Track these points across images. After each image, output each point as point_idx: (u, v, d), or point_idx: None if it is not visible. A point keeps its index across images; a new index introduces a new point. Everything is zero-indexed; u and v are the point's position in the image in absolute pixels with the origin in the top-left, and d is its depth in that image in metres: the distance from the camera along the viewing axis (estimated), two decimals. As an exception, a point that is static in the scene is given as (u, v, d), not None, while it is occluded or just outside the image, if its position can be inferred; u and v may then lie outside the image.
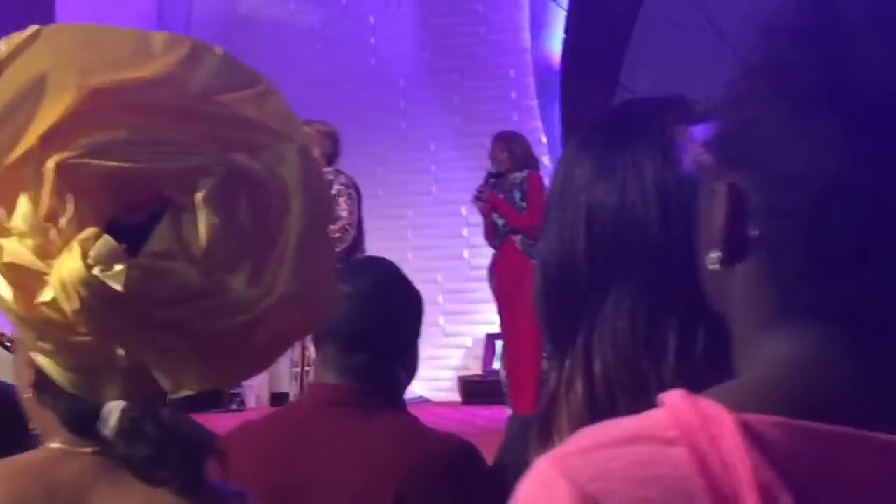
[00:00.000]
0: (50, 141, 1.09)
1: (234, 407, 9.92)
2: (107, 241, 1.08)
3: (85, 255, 1.07)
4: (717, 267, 0.83)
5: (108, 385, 1.15)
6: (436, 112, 8.96)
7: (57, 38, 1.16)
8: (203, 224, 1.10)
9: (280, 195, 1.14)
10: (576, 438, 0.79)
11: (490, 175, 7.56)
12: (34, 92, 1.10)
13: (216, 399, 10.02)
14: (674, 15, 8.58)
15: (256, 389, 10.26)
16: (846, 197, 0.77)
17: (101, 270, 1.07)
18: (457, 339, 9.50)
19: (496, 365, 8.69)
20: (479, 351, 9.32)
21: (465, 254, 8.61)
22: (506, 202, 7.41)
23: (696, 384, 0.81)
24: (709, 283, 0.87)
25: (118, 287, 1.07)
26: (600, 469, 0.75)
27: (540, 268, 1.11)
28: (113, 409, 1.14)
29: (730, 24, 0.92)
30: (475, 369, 9.64)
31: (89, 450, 1.18)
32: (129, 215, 1.13)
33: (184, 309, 1.10)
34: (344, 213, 6.41)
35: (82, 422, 1.17)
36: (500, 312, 7.61)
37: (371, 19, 10.82)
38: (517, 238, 7.40)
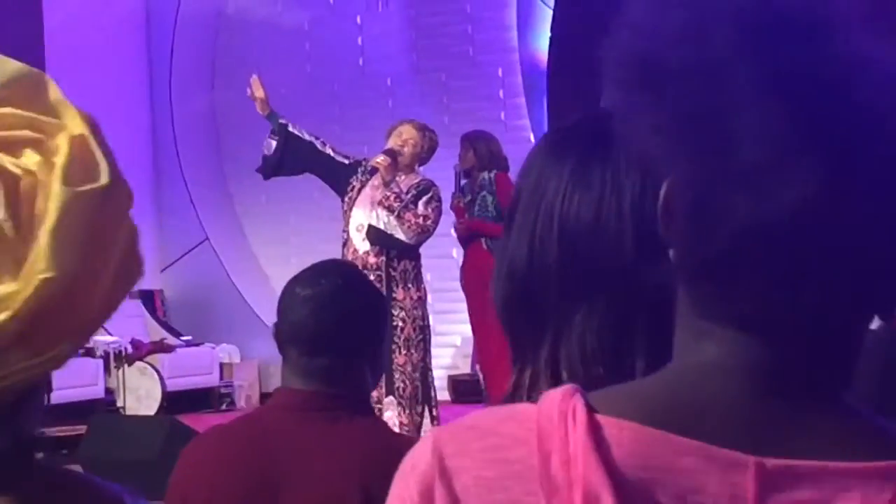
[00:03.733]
0: None
1: (223, 407, 9.92)
2: None
3: None
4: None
5: None
6: (423, 111, 8.94)
7: None
8: None
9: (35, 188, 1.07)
10: (466, 417, 0.87)
11: (458, 174, 7.68)
12: None
13: (206, 399, 10.03)
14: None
15: (246, 389, 10.25)
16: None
17: None
18: (446, 338, 9.51)
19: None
20: (468, 349, 9.33)
21: (454, 252, 8.60)
22: (482, 222, 7.50)
23: None
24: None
25: None
26: (463, 448, 0.83)
27: (505, 273, 1.10)
28: None
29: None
30: (464, 368, 9.66)
31: None
32: None
33: None
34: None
35: None
36: (470, 311, 7.68)
37: (358, 19, 10.83)
38: (483, 238, 7.47)
